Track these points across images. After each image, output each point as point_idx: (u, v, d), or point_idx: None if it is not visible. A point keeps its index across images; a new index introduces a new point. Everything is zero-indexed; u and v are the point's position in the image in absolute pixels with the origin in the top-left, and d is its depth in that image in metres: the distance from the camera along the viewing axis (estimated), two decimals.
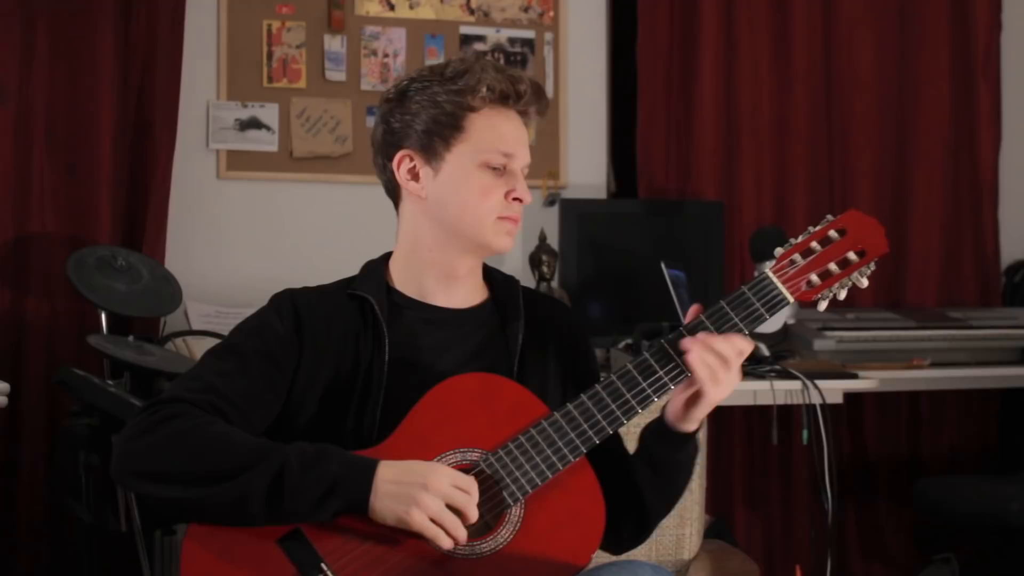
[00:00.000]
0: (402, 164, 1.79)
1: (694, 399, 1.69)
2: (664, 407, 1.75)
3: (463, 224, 1.76)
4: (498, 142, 1.76)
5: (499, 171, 1.76)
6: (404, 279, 1.82)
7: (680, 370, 1.67)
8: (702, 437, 2.52)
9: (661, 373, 1.67)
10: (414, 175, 1.79)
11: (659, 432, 1.75)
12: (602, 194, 4.06)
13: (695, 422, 1.73)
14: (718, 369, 1.65)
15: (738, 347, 1.66)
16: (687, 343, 1.66)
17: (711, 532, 2.68)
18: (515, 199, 1.76)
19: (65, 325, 3.44)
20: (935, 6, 4.21)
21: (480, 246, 1.78)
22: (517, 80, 1.76)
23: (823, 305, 1.71)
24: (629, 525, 1.82)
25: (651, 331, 3.15)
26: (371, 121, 3.78)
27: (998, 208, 4.28)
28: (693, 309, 1.71)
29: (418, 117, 1.77)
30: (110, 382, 2.88)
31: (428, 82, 1.77)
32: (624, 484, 1.78)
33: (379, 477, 1.60)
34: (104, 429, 2.75)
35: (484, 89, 1.75)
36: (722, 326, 1.68)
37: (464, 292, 1.83)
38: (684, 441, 1.74)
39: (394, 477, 1.60)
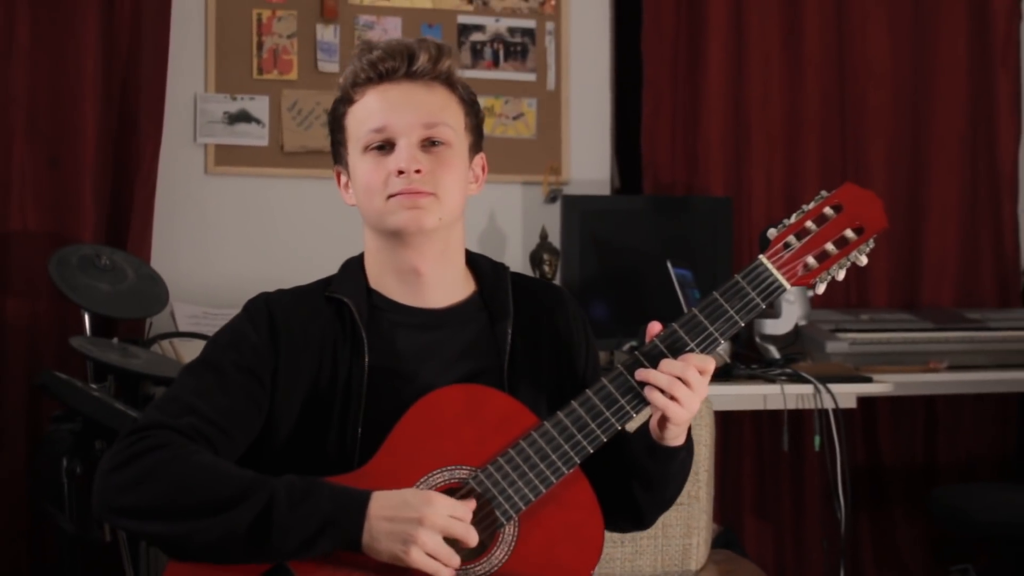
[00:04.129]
0: (340, 179, 1.83)
1: (663, 421, 1.68)
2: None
3: (369, 216, 1.75)
4: (365, 122, 1.73)
5: (385, 150, 1.73)
6: (376, 282, 1.80)
7: (640, 400, 1.66)
8: (708, 443, 2.53)
9: (623, 402, 1.66)
10: (346, 186, 1.82)
11: (646, 446, 1.73)
12: (606, 190, 4.06)
13: (676, 439, 1.71)
14: (676, 392, 1.64)
15: (698, 367, 1.64)
16: (641, 376, 1.65)
17: (719, 542, 2.69)
18: (399, 172, 1.70)
19: (47, 327, 3.44)
20: None
21: (390, 232, 1.73)
22: (380, 59, 1.74)
23: (822, 288, 1.69)
24: (627, 523, 1.83)
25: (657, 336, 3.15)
26: None
27: (1017, 204, 4.30)
28: (649, 329, 1.69)
29: (329, 133, 1.82)
30: (94, 386, 2.88)
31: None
32: (614, 488, 1.76)
33: (372, 514, 1.58)
34: (87, 435, 2.74)
35: (351, 83, 1.76)
36: (696, 336, 1.66)
37: (440, 290, 1.78)
38: (672, 455, 1.73)
39: (388, 514, 1.58)
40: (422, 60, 1.74)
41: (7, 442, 3.40)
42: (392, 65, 1.74)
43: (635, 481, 1.76)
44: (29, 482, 3.34)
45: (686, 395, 1.64)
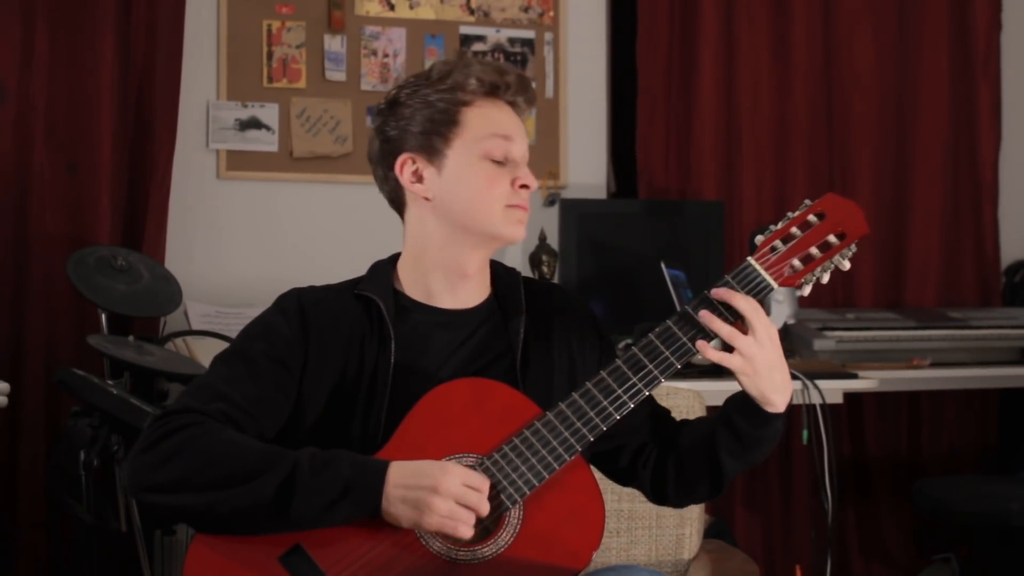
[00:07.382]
0: (404, 168, 1.78)
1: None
2: None
3: (474, 217, 1.75)
4: (494, 127, 1.75)
5: (501, 162, 1.76)
6: (411, 282, 1.80)
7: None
8: None
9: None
10: (418, 177, 1.77)
11: (743, 407, 1.73)
12: (602, 194, 4.06)
13: (767, 402, 1.70)
14: (736, 342, 1.66)
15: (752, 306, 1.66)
16: (705, 316, 1.66)
17: (711, 532, 2.68)
18: (522, 186, 1.76)
19: (65, 325, 3.44)
20: (935, 6, 4.22)
21: (492, 237, 1.76)
22: (503, 71, 1.78)
23: (807, 289, 1.70)
24: (704, 486, 1.82)
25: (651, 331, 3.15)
26: (371, 121, 3.78)
27: (998, 208, 4.29)
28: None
29: (413, 120, 1.77)
30: (110, 382, 2.88)
31: (416, 87, 1.78)
32: (699, 452, 1.77)
33: (390, 482, 1.60)
34: (104, 429, 2.74)
35: (474, 82, 1.76)
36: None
37: (470, 291, 1.81)
38: (767, 420, 1.72)
39: (405, 481, 1.60)
40: (531, 95, 1.81)
41: (27, 436, 3.40)
42: (511, 81, 1.78)
43: (725, 441, 1.75)
44: (48, 474, 3.33)
45: (746, 344, 1.65)
